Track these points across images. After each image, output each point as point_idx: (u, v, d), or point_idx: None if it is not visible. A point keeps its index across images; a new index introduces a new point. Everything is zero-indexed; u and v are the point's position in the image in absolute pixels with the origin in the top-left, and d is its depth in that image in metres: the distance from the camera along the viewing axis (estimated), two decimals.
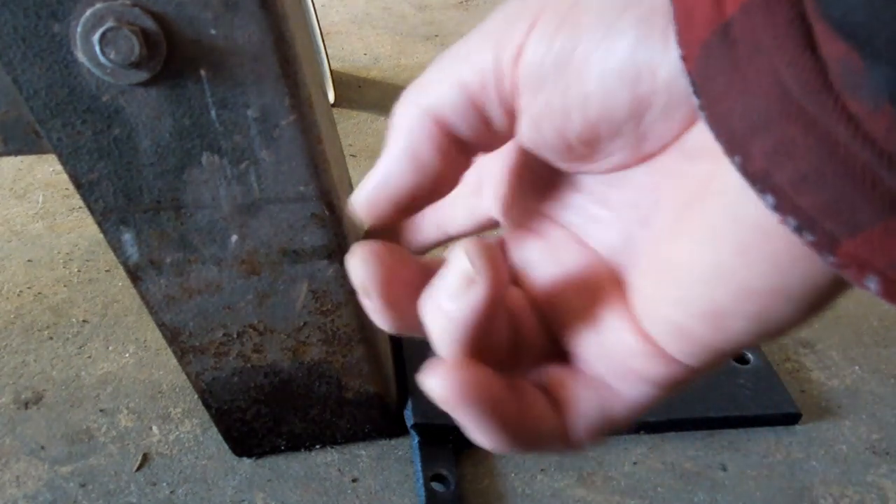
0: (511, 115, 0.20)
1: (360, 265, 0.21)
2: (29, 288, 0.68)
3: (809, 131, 0.14)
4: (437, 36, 1.20)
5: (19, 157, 0.84)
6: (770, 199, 0.15)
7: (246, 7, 0.32)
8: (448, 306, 0.20)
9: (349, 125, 0.95)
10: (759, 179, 0.15)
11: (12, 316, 0.65)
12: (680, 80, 0.17)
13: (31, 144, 0.37)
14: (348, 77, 1.06)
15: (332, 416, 0.53)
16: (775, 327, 0.18)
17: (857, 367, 0.65)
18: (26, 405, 0.57)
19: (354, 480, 0.53)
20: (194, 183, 0.38)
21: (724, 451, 0.58)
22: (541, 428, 0.21)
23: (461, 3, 1.33)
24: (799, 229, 0.15)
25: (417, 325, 0.22)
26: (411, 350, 0.57)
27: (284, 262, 0.42)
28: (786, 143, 0.14)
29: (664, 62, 0.17)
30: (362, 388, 0.51)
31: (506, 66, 0.19)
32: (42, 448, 0.54)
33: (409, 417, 0.54)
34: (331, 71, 0.99)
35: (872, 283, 0.15)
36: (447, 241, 0.29)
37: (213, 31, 0.33)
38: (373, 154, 0.90)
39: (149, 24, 0.32)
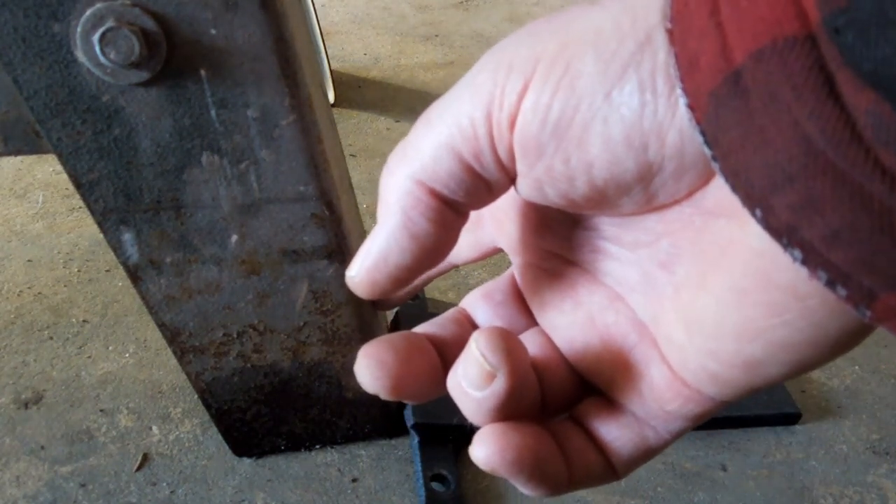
0: (508, 175, 0.20)
1: (366, 375, 0.22)
2: (29, 288, 0.68)
3: (839, 186, 0.13)
4: (437, 36, 1.20)
5: (19, 157, 0.84)
6: (798, 253, 0.14)
7: (246, 7, 0.32)
8: (474, 394, 0.20)
9: (349, 125, 0.95)
10: (784, 234, 0.14)
11: (12, 316, 0.65)
12: (691, 144, 0.16)
13: (31, 144, 0.37)
14: (348, 77, 1.06)
15: (332, 416, 0.53)
16: (810, 367, 0.18)
17: (857, 367, 0.65)
18: (26, 405, 0.57)
19: (354, 480, 0.53)
20: (194, 183, 0.38)
21: (724, 451, 0.58)
22: (589, 471, 0.21)
23: (461, 3, 1.33)
24: (832, 283, 0.14)
25: (437, 394, 0.23)
26: None
27: (284, 262, 0.42)
28: (813, 198, 0.14)
29: (672, 127, 0.16)
30: (362, 388, 0.51)
31: (500, 131, 0.18)
32: (42, 448, 0.54)
33: (409, 417, 0.54)
34: (331, 71, 0.99)
35: None
36: (451, 269, 0.29)
37: (213, 31, 0.33)
38: (373, 154, 0.90)
39: (149, 24, 0.32)
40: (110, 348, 0.62)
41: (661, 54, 0.16)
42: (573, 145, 0.17)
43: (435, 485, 0.52)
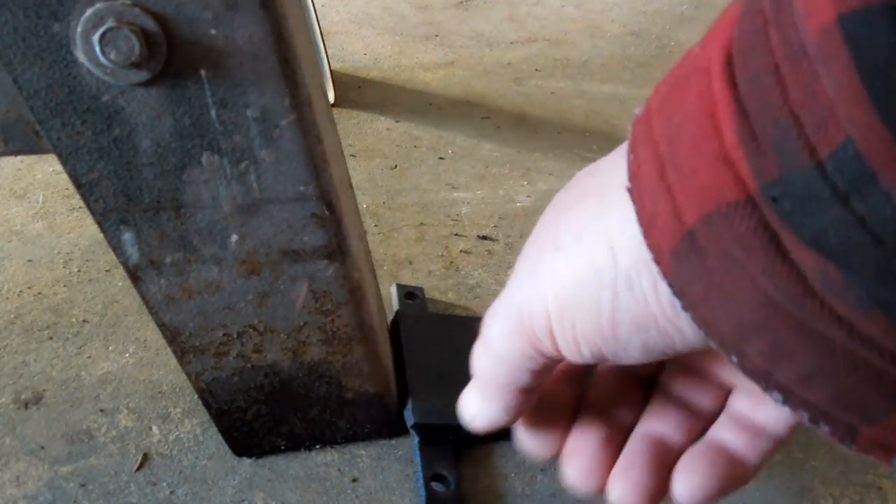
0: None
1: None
2: (29, 288, 0.68)
3: (802, 334, 0.14)
4: (437, 36, 1.20)
5: (19, 157, 0.84)
6: (777, 395, 0.15)
7: (246, 7, 0.32)
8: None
9: (349, 125, 0.95)
10: (762, 377, 0.15)
11: (12, 316, 0.65)
12: (700, 342, 0.18)
13: (31, 144, 0.37)
14: (348, 77, 1.06)
15: (332, 416, 0.53)
16: None
17: None
18: (26, 405, 0.57)
19: (354, 480, 0.53)
20: (194, 183, 0.38)
21: None
22: (739, 480, 0.24)
23: (461, 3, 1.33)
24: (815, 421, 0.15)
25: None
26: (411, 350, 0.57)
27: (284, 262, 0.42)
28: (780, 346, 0.15)
29: (678, 344, 0.18)
30: (362, 388, 0.51)
31: (553, 356, 0.21)
32: (42, 448, 0.54)
33: (409, 417, 0.54)
34: (331, 71, 0.99)
35: None
36: None
37: (213, 31, 0.33)
38: (373, 154, 0.90)
39: (149, 24, 0.32)
40: (110, 348, 0.62)
41: (635, 300, 0.18)
42: (615, 359, 0.20)
43: (435, 485, 0.52)
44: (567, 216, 0.20)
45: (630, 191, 0.17)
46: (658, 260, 0.16)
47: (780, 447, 0.25)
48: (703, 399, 0.25)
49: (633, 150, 0.17)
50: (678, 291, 0.16)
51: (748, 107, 0.14)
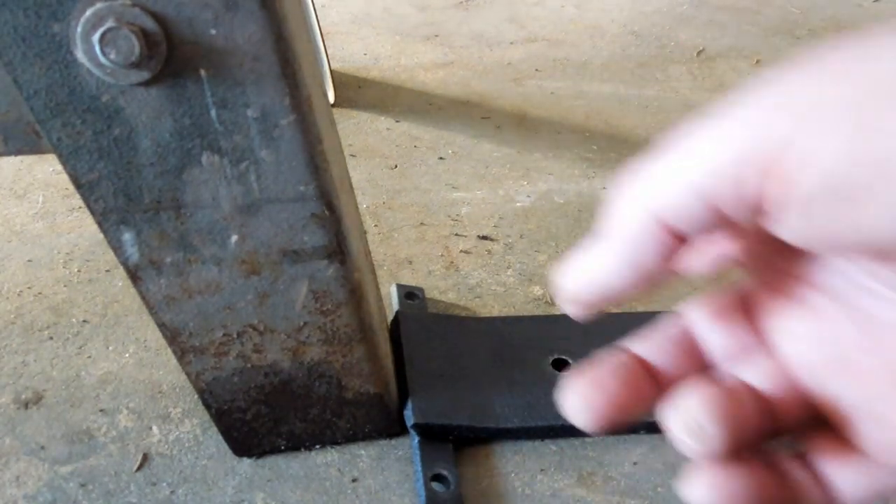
0: (766, 221, 0.17)
1: (579, 413, 0.21)
2: (29, 288, 0.68)
3: None
4: (437, 36, 1.20)
5: (19, 157, 0.84)
6: None
7: (246, 7, 0.32)
8: (691, 444, 0.19)
9: (349, 125, 0.95)
10: None
11: (12, 316, 0.65)
12: None
13: (31, 144, 0.37)
14: (348, 77, 1.06)
15: (332, 416, 0.53)
16: None
17: None
18: (26, 405, 0.57)
19: (354, 480, 0.53)
20: (194, 183, 0.38)
21: None
22: None
23: (461, 3, 1.33)
24: None
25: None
26: (411, 350, 0.57)
27: (284, 262, 0.42)
28: None
29: None
30: (362, 388, 0.51)
31: (772, 185, 0.16)
32: (42, 448, 0.54)
33: (409, 417, 0.54)
34: (331, 71, 0.99)
35: None
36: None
37: (213, 31, 0.33)
38: (373, 154, 0.90)
39: (149, 24, 0.32)
40: (110, 348, 0.62)
41: None
42: (860, 212, 0.15)
43: (435, 485, 0.52)
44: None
45: None
46: None
47: None
48: (789, 408, 0.21)
49: None
50: None
51: None
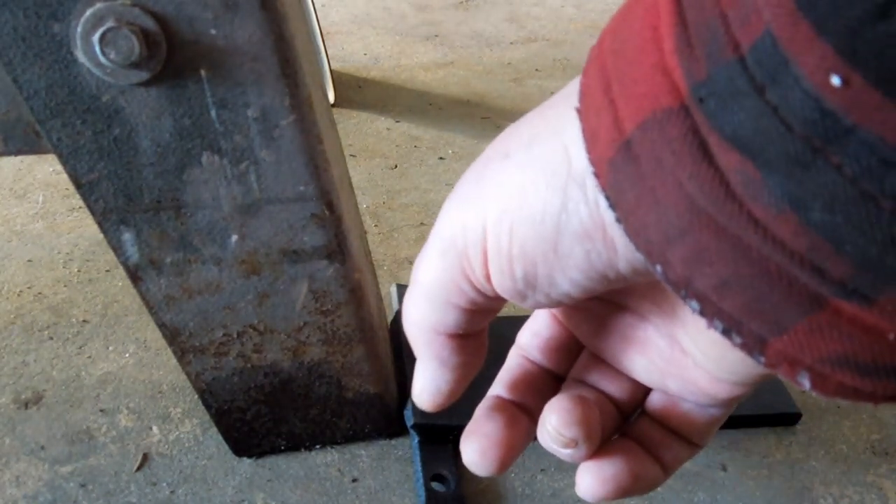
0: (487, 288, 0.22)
1: (477, 463, 0.24)
2: (29, 288, 0.68)
3: (721, 238, 0.15)
4: (437, 36, 1.20)
5: (19, 157, 0.84)
6: (695, 304, 0.16)
7: (246, 7, 0.32)
8: (564, 452, 0.23)
9: (349, 125, 0.95)
10: (682, 286, 0.16)
11: (12, 316, 0.65)
12: (642, 264, 0.18)
13: (31, 144, 0.37)
14: (348, 77, 1.06)
15: (332, 416, 0.53)
16: None
17: None
18: (26, 405, 0.57)
19: (354, 480, 0.53)
20: (194, 183, 0.38)
21: (724, 451, 0.58)
22: (677, 455, 0.25)
23: (461, 3, 1.33)
24: (727, 332, 0.16)
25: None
26: (411, 350, 0.57)
27: (284, 262, 0.42)
28: (700, 251, 0.15)
29: (620, 261, 0.18)
30: (362, 388, 0.51)
31: (483, 286, 0.21)
32: (42, 448, 0.54)
33: (409, 417, 0.54)
34: (331, 71, 0.99)
35: (805, 379, 0.16)
36: None
37: (213, 31, 0.33)
38: (373, 154, 0.90)
39: (149, 24, 0.32)
40: (110, 348, 0.62)
41: (586, 203, 0.17)
42: (549, 288, 0.19)
43: (435, 485, 0.52)
44: (517, 129, 0.20)
45: (579, 110, 0.17)
46: (597, 172, 0.16)
47: (694, 453, 0.26)
48: (617, 392, 0.26)
49: (584, 72, 0.17)
50: (613, 203, 0.16)
51: (688, 15, 0.14)
